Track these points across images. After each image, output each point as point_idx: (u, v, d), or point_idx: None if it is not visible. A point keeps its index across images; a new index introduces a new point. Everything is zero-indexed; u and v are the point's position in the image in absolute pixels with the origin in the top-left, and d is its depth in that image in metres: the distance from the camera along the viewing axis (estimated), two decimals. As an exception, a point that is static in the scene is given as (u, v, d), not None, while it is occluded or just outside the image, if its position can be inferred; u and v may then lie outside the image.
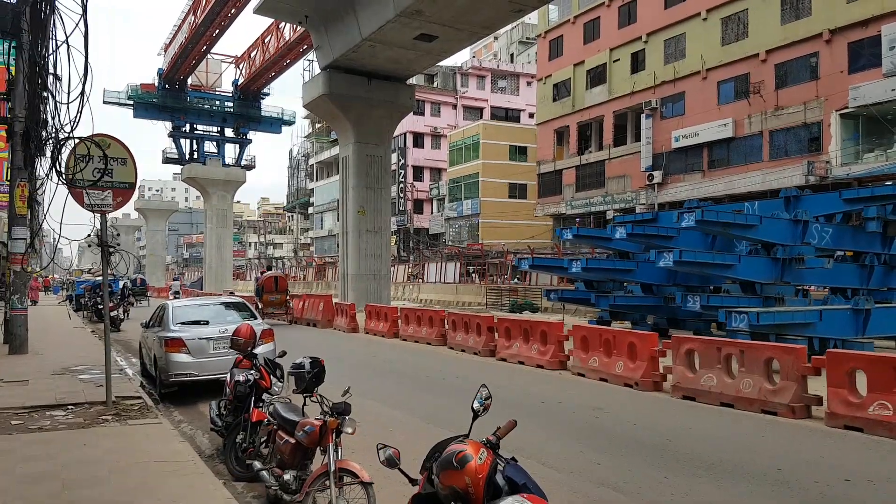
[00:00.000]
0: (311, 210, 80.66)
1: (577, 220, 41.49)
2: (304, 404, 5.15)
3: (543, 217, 43.54)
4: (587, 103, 38.98)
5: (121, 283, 25.17)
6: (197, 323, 10.01)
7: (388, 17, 23.96)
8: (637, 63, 35.65)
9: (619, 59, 36.92)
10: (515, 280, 35.54)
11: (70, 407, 8.39)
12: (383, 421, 7.95)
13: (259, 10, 29.29)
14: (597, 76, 38.47)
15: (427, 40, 25.89)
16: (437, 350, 15.24)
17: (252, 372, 6.17)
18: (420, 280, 41.54)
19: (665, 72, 33.58)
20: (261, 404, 6.04)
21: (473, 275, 40.06)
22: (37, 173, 14.38)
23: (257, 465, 5.57)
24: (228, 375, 6.55)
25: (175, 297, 25.87)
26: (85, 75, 8.42)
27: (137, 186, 8.66)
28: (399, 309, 18.57)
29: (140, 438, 6.81)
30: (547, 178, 42.47)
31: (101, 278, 24.54)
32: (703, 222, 12.46)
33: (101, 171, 8.09)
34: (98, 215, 8.44)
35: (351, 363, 13.21)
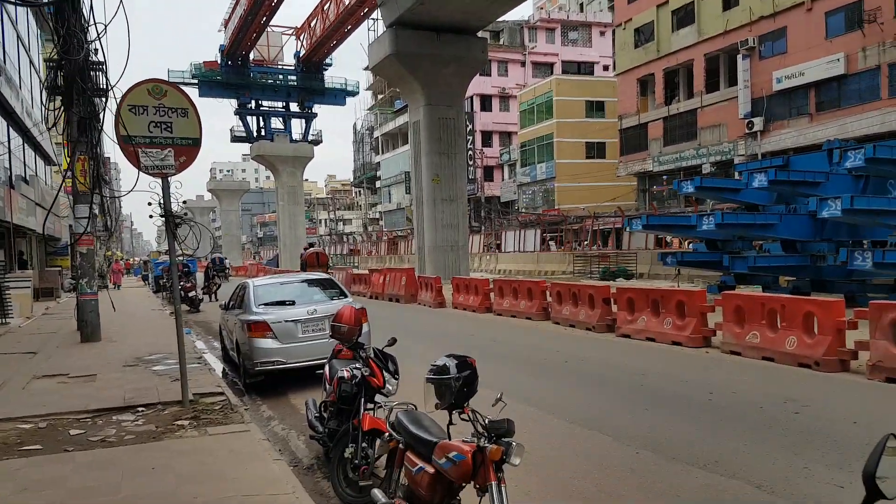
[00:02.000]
0: (378, 184, 79.75)
1: (664, 177, 38.57)
2: (450, 422, 3.50)
3: (627, 177, 40.74)
4: (674, 47, 35.68)
5: (198, 262, 24.73)
6: (282, 303, 8.73)
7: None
8: (729, -2, 32.14)
9: (708, -4, 33.43)
10: (595, 246, 33.28)
11: (140, 409, 7.12)
12: (542, 432, 5.99)
13: (320, -30, 27.64)
14: (684, 16, 35.08)
15: (502, -17, 23.64)
16: (541, 326, 13.46)
17: (358, 366, 4.72)
18: (497, 250, 39.71)
19: (763, 6, 30.04)
20: (372, 406, 4.65)
21: (551, 242, 37.87)
22: (100, 149, 13.31)
23: (379, 497, 3.92)
24: (327, 369, 5.22)
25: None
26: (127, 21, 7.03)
27: (202, 149, 7.24)
28: (492, 280, 16.88)
29: (224, 455, 5.38)
30: (630, 134, 39.51)
31: (180, 259, 24.23)
32: (874, 160, 10.10)
33: (159, 125, 6.64)
34: (159, 179, 7.03)
35: (448, 344, 11.58)
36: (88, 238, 13.43)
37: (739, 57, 30.74)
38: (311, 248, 23.73)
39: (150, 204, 7.09)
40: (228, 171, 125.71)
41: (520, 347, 11.10)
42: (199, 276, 25.01)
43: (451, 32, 27.80)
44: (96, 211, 15.55)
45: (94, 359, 10.56)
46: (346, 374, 4.64)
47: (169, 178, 7.06)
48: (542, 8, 67.85)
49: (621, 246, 28.47)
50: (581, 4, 66.92)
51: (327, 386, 5.13)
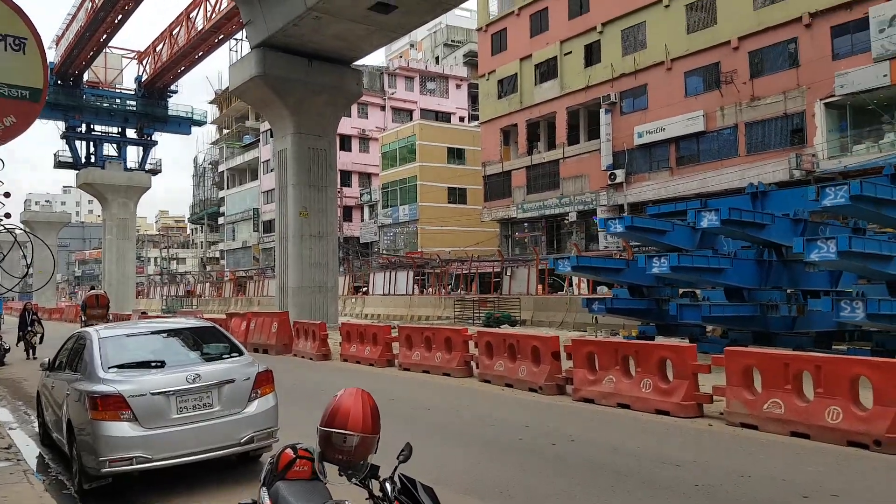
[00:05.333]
0: (221, 220, 74.63)
1: (525, 224, 39.19)
2: None
3: (490, 223, 40.88)
4: (536, 100, 36.70)
5: (4, 303, 19.84)
6: (145, 365, 5.98)
7: (342, -21, 20.44)
8: (592, 55, 33.70)
9: (570, 52, 34.88)
10: (461, 290, 32.55)
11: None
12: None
13: (178, -22, 24.92)
14: (547, 70, 36.29)
15: (384, 11, 22.46)
16: (467, 385, 11.16)
17: None
18: (363, 293, 37.70)
19: (624, 64, 31.76)
20: None
21: (427, 286, 36.66)
22: None
23: None
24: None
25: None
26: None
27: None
28: (395, 326, 14.75)
29: None
30: (494, 181, 39.83)
31: None
32: (859, 198, 9.74)
33: None
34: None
35: None
36: None
37: (602, 111, 32.08)
38: (92, 291, 22.46)
39: None
40: (47, 201, 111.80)
41: (456, 416, 8.89)
42: (9, 320, 20.37)
43: (324, 60, 26.17)
44: None
45: None
46: None
47: None
48: (401, 56, 68.75)
49: (501, 291, 27.82)
50: (437, 58, 68.57)
51: None
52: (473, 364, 11.79)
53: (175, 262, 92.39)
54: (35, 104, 4.79)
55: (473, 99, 62.92)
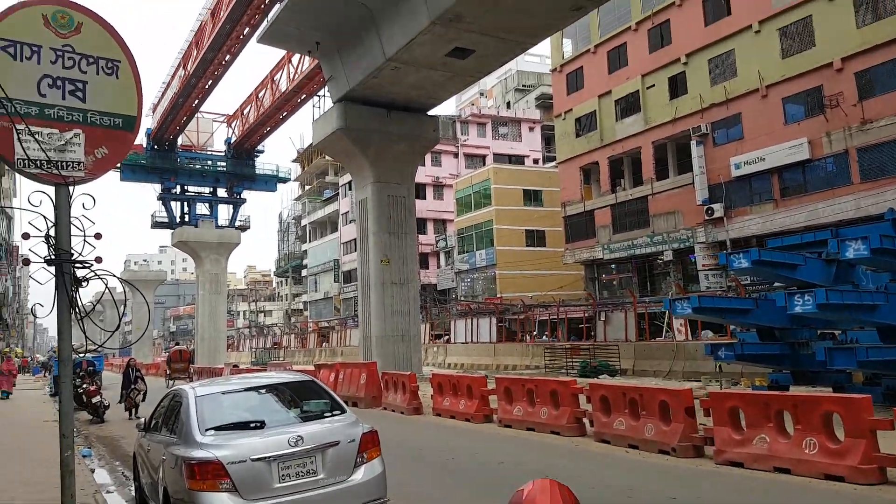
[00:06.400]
0: (304, 272, 76.48)
1: (613, 266, 37.49)
2: None
3: (573, 265, 39.40)
4: (619, 135, 35.46)
5: (105, 359, 19.98)
6: (244, 426, 5.41)
7: (420, 27, 20.30)
8: (677, 87, 32.30)
9: (653, 85, 33.63)
10: (546, 336, 31.03)
11: None
12: None
13: (263, 40, 25.70)
14: (629, 105, 35.11)
15: (461, 56, 22.24)
16: (581, 446, 9.78)
17: None
18: (445, 341, 36.84)
19: (714, 93, 30.19)
20: None
21: (508, 333, 35.39)
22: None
23: None
24: None
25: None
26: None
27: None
28: (490, 378, 13.71)
29: None
30: (575, 221, 38.51)
31: (83, 356, 19.37)
32: None
33: (61, 85, 3.82)
34: (51, 189, 4.15)
35: (480, 490, 7.44)
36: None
37: (693, 143, 30.45)
38: (175, 346, 23.28)
39: (25, 237, 4.19)
40: (144, 261, 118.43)
41: (583, 486, 6.79)
42: (108, 375, 20.57)
43: (402, 110, 26.31)
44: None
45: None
46: None
47: (71, 188, 4.15)
48: (472, 104, 69.45)
49: (595, 337, 26.27)
50: (508, 103, 68.76)
51: None
52: (587, 421, 10.52)
53: (262, 314, 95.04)
54: (129, 133, 4.37)
55: (547, 140, 62.31)
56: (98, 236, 4.66)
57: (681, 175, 32.22)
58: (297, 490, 5.02)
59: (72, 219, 4.46)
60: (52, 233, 4.43)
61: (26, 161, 4.03)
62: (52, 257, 4.46)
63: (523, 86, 69.39)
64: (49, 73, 4.07)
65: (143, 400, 17.57)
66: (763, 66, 27.96)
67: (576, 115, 38.50)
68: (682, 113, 31.58)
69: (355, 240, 30.21)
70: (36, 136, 4.08)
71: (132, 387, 17.35)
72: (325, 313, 67.53)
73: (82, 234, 4.60)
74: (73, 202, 4.43)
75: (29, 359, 68.64)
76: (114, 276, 5.21)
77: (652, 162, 33.63)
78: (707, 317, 15.03)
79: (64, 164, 4.23)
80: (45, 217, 4.41)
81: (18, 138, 4.04)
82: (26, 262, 5.07)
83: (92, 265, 4.72)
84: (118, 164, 4.43)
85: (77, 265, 4.62)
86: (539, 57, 69.81)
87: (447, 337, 37.58)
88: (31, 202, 4.24)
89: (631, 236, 34.45)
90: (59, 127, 4.16)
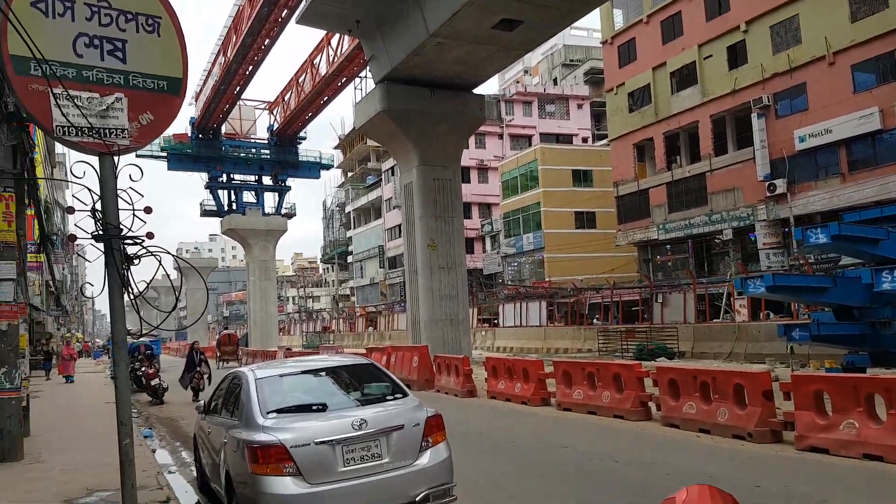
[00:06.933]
0: (350, 259, 76.92)
1: (668, 246, 36.06)
2: None
3: (626, 247, 38.09)
4: (674, 110, 33.86)
5: (162, 344, 20.06)
6: (305, 409, 5.26)
7: (464, -1, 19.43)
8: (736, 57, 30.54)
9: (711, 56, 31.90)
10: (597, 319, 29.99)
11: None
12: None
13: (302, 20, 25.23)
14: (685, 78, 33.45)
15: (508, 28, 21.27)
16: (648, 430, 9.26)
17: None
18: (492, 325, 36.17)
19: (776, 62, 28.39)
20: None
21: (558, 316, 34.51)
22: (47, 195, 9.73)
23: None
24: None
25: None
26: None
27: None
28: (547, 361, 13.17)
29: None
30: (628, 201, 37.14)
31: (140, 340, 19.56)
32: None
33: (99, 44, 3.44)
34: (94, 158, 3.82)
35: (549, 477, 7.07)
36: (10, 309, 9.30)
37: (754, 116, 28.77)
38: (225, 331, 24.28)
39: (70, 211, 3.94)
40: (195, 248, 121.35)
41: (660, 474, 6.75)
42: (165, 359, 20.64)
43: (446, 88, 25.48)
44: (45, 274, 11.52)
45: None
46: None
47: (116, 157, 3.85)
48: (518, 82, 67.68)
49: (652, 319, 25.19)
50: (555, 80, 66.78)
51: None
52: (653, 405, 9.99)
53: (311, 300, 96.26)
54: (175, 98, 4.03)
55: (597, 118, 60.42)
56: (148, 210, 4.31)
57: (741, 150, 30.57)
58: (362, 474, 4.89)
59: (119, 191, 4.15)
60: (97, 206, 4.14)
61: (67, 128, 3.56)
62: (100, 232, 4.02)
63: (570, 61, 67.29)
64: (85, 31, 3.70)
65: (210, 383, 17.01)
66: (830, 31, 26.09)
67: (628, 89, 36.98)
68: (742, 84, 29.87)
69: (399, 226, 29.79)
70: (75, 101, 3.68)
71: (196, 369, 17.12)
72: (371, 298, 67.75)
73: (131, 207, 4.31)
74: (118, 173, 4.11)
75: (90, 343, 71.33)
76: (168, 252, 4.83)
77: (710, 137, 32.01)
78: (781, 296, 13.99)
79: (107, 131, 3.89)
80: (89, 189, 4.10)
81: (56, 103, 3.61)
82: (72, 237, 4.78)
83: (143, 240, 4.43)
84: (164, 131, 4.26)
85: (127, 241, 4.28)
86: (586, 30, 67.58)
87: (496, 321, 36.88)
88: (75, 174, 3.91)
89: (688, 215, 32.98)
90: (98, 91, 3.78)
